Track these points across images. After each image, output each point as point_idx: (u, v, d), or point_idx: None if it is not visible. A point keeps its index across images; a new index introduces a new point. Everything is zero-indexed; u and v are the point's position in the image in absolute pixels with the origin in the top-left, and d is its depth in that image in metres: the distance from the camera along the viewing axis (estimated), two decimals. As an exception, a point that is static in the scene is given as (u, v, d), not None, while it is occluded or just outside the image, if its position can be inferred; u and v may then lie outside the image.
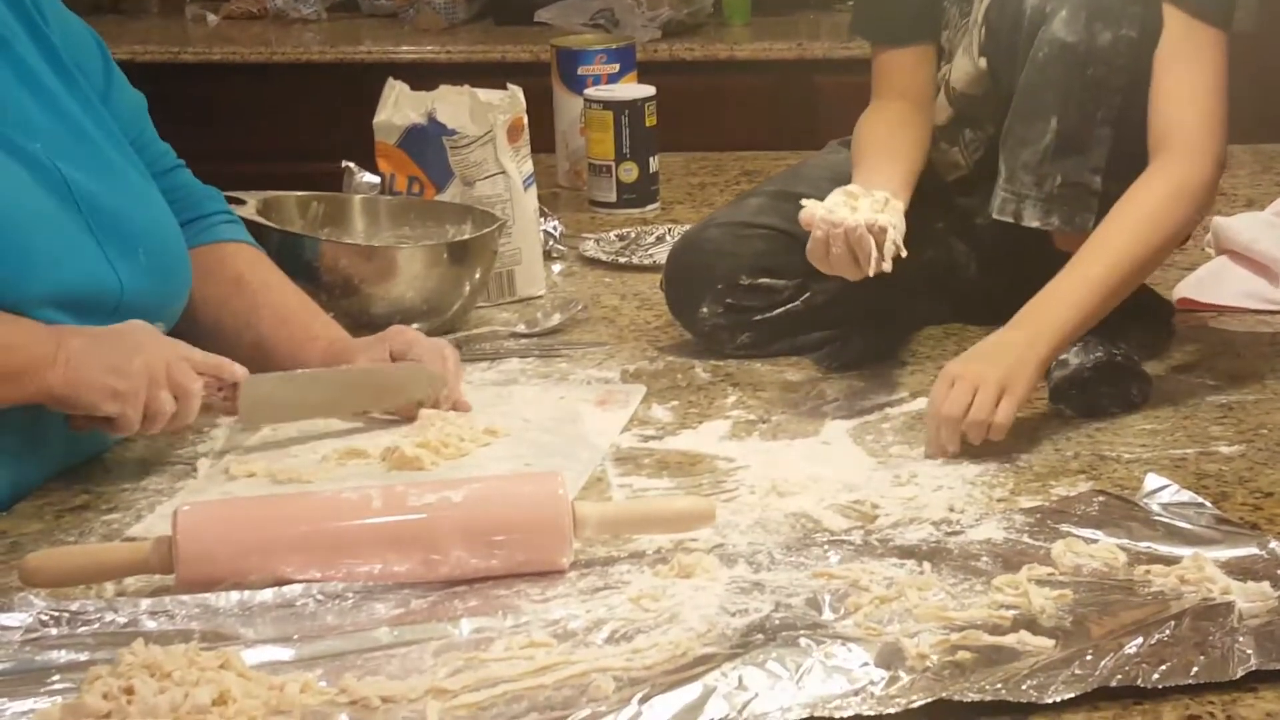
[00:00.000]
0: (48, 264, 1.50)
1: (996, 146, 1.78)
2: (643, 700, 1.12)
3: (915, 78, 1.86)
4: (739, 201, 1.97)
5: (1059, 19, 1.68)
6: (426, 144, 2.04)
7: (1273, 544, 1.35)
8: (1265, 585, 1.26)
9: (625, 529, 1.39)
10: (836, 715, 1.11)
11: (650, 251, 2.26)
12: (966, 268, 1.93)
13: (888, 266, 1.63)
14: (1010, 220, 1.74)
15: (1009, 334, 1.61)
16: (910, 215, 1.69)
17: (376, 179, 2.16)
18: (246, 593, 1.29)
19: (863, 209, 1.64)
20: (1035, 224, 1.73)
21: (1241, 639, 1.19)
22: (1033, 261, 1.73)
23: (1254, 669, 1.15)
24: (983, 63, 1.80)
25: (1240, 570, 1.30)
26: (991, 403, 1.55)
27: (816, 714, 1.11)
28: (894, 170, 1.75)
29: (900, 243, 1.64)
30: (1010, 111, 1.75)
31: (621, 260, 2.24)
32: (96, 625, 1.25)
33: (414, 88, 2.09)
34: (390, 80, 2.09)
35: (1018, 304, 1.64)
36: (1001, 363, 1.57)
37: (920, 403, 1.71)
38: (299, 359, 1.68)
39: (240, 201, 1.92)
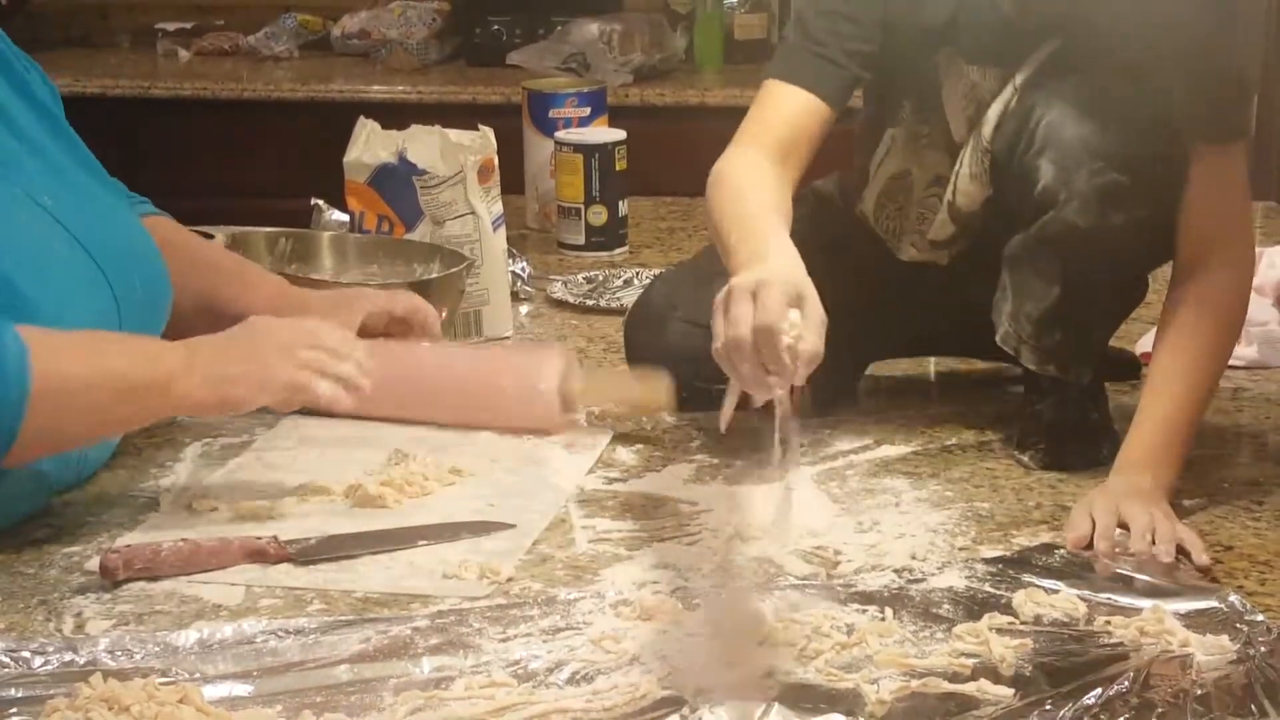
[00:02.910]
0: (60, 307, 1.48)
1: (978, 243, 1.73)
2: (603, 742, 1.12)
3: (808, 132, 1.69)
4: (704, 277, 1.79)
5: (1071, 208, 1.58)
6: (396, 183, 2.05)
7: (1232, 597, 1.35)
8: (1224, 638, 1.27)
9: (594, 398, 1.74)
10: (796, 760, 1.11)
11: (618, 294, 2.26)
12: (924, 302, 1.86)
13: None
14: (1011, 353, 1.69)
15: (1138, 479, 1.54)
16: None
17: (345, 217, 2.16)
18: (206, 631, 1.28)
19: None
20: (1033, 368, 1.69)
21: (1200, 692, 1.19)
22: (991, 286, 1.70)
23: (1211, 721, 1.16)
24: (990, 190, 1.70)
25: (1200, 624, 1.30)
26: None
27: (776, 759, 1.11)
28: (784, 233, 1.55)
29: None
30: (1013, 261, 1.66)
31: (589, 303, 2.25)
32: (55, 665, 1.24)
33: (385, 127, 2.09)
34: (361, 119, 2.09)
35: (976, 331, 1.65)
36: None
37: (885, 449, 1.72)
38: (250, 306, 1.68)
39: (208, 236, 1.91)
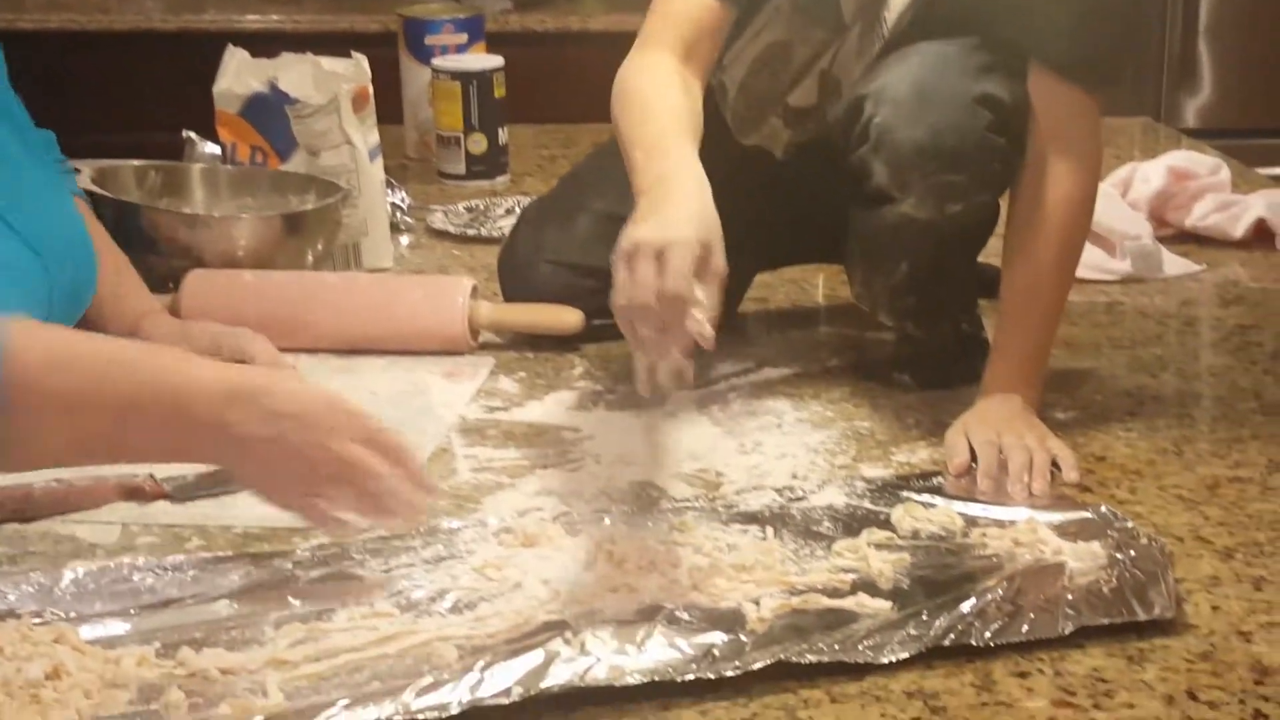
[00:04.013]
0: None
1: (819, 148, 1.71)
2: (485, 668, 1.11)
3: (710, 29, 1.62)
4: (567, 213, 1.84)
5: (909, 204, 1.57)
6: (269, 113, 2.01)
7: (1103, 508, 1.38)
8: (1095, 545, 1.30)
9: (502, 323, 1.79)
10: (678, 679, 1.11)
11: (499, 223, 2.25)
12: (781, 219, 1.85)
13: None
14: (867, 310, 1.71)
15: (1009, 402, 1.54)
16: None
17: (218, 149, 2.12)
18: (82, 570, 1.26)
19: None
20: (892, 326, 1.71)
21: (1071, 596, 1.22)
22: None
23: (1083, 624, 1.18)
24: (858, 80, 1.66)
25: (1072, 532, 1.33)
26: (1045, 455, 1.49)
27: (658, 678, 1.11)
28: (692, 149, 1.50)
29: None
30: (858, 235, 1.67)
31: (470, 233, 2.23)
32: (-74, 605, 1.21)
33: (259, 57, 2.05)
34: (230, 47, 2.06)
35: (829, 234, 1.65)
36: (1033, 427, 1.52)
37: (766, 371, 1.74)
38: (106, 321, 1.64)
39: (75, 171, 1.87)
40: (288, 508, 1.17)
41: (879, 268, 1.66)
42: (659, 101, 1.54)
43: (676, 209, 1.38)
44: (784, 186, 1.79)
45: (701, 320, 1.33)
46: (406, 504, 1.16)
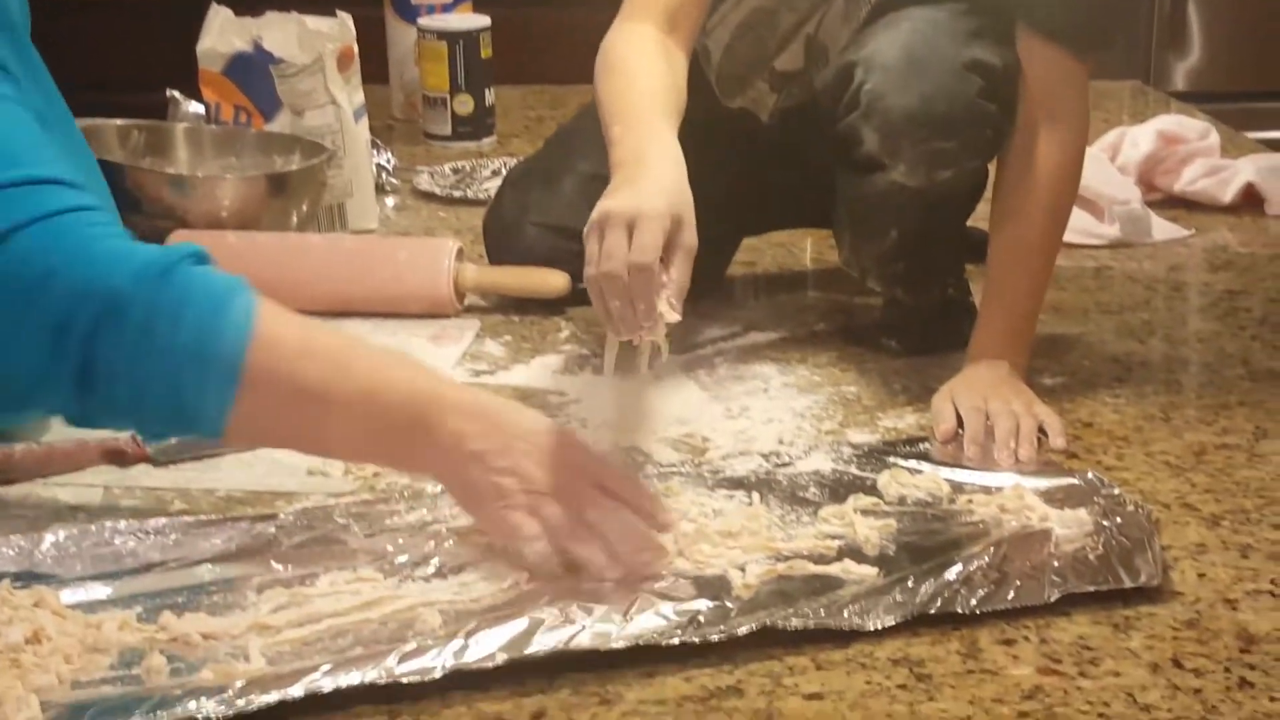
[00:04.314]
0: None
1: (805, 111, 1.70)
2: (469, 634, 1.11)
3: (697, 7, 1.62)
4: (552, 176, 1.83)
5: (899, 171, 1.55)
6: (253, 72, 2.00)
7: (1090, 474, 1.38)
8: (1081, 512, 1.29)
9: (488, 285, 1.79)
10: (663, 644, 1.11)
11: (485, 185, 2.24)
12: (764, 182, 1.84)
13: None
14: (856, 277, 1.71)
15: (996, 367, 1.53)
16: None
17: (203, 109, 2.11)
18: (63, 533, 1.25)
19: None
20: (880, 291, 1.71)
21: (1057, 564, 1.21)
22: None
23: (1068, 591, 1.18)
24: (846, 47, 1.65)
25: (1059, 499, 1.33)
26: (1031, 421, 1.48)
27: (644, 644, 1.11)
28: (670, 126, 1.50)
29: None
30: (847, 201, 1.66)
31: (456, 194, 2.22)
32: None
33: (240, 14, 2.04)
34: (214, 5, 2.04)
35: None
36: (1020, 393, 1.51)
37: (753, 336, 1.73)
38: None
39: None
40: (495, 529, 1.20)
41: (868, 234, 1.65)
42: (641, 76, 1.54)
43: (649, 183, 1.39)
44: (770, 151, 1.78)
45: (670, 301, 1.35)
46: (646, 544, 1.19)
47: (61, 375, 1.13)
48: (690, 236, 1.37)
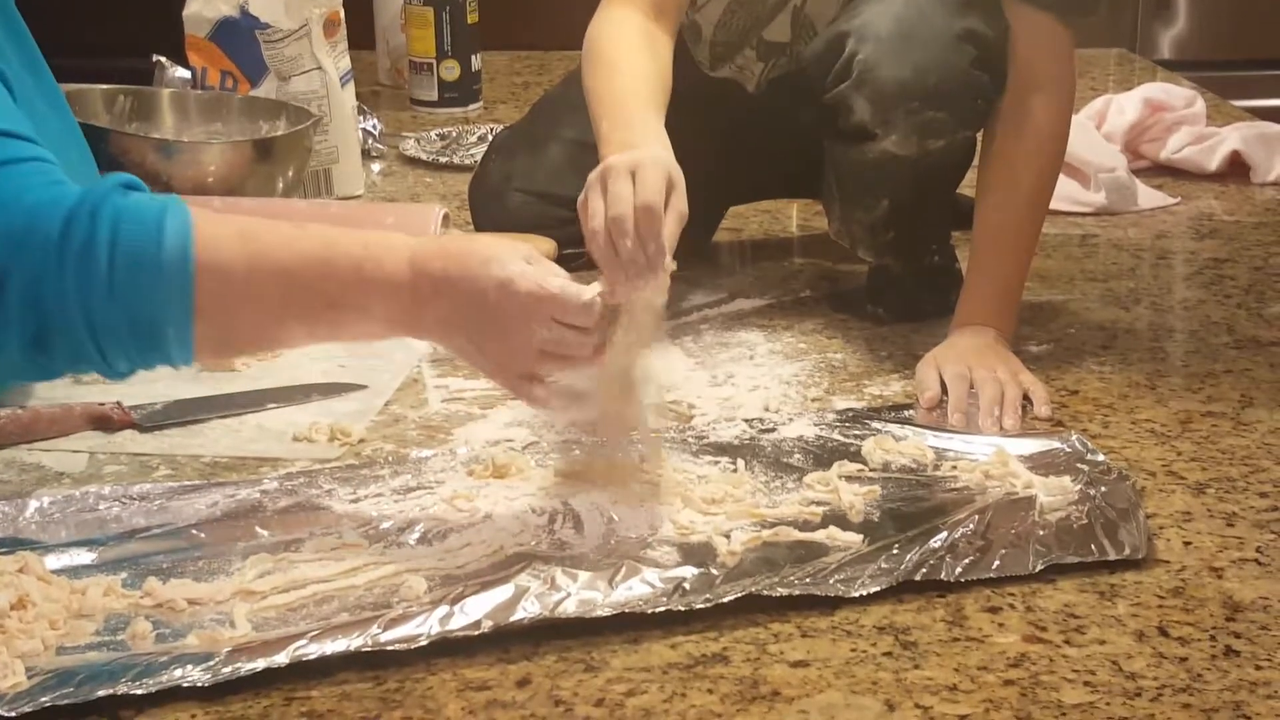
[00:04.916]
0: None
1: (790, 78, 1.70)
2: (455, 600, 1.11)
3: None
4: (537, 142, 1.82)
5: (891, 141, 1.56)
6: (239, 37, 1.99)
7: (1074, 436, 1.38)
8: (1066, 479, 1.30)
9: None
10: (648, 612, 1.11)
11: (471, 151, 2.23)
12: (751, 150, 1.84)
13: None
14: (846, 246, 1.71)
15: (981, 334, 1.54)
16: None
17: (189, 74, 2.10)
18: (48, 499, 1.25)
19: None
20: (871, 260, 1.71)
21: (1042, 532, 1.22)
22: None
23: (1053, 561, 1.18)
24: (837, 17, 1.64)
25: (1043, 465, 1.33)
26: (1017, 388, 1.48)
27: (629, 611, 1.11)
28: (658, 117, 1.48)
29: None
30: (838, 170, 1.65)
31: (442, 160, 2.21)
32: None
33: (229, -20, 2.03)
34: (200, -30, 2.03)
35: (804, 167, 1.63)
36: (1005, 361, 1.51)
37: (739, 303, 1.73)
38: None
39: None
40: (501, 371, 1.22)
41: (859, 204, 1.65)
42: (627, 67, 1.53)
43: (644, 148, 1.37)
44: (757, 121, 1.78)
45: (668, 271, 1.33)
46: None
47: (8, 323, 1.13)
48: (682, 201, 1.36)
